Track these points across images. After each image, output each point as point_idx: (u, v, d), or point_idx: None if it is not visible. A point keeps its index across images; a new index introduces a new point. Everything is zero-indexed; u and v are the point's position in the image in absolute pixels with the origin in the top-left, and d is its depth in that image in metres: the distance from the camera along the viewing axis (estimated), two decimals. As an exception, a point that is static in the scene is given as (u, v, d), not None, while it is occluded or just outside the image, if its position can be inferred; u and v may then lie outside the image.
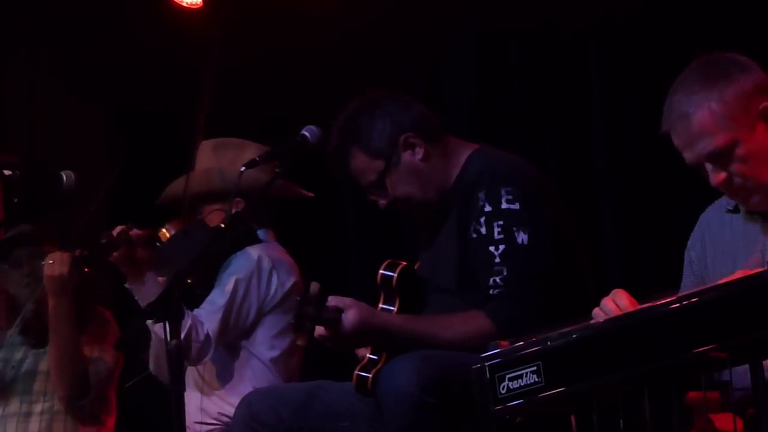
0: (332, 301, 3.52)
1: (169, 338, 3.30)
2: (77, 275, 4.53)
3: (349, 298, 3.53)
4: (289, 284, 4.38)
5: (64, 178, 4.46)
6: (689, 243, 3.19)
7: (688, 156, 2.95)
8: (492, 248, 3.52)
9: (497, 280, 3.49)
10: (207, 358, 4.24)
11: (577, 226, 3.91)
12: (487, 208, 3.55)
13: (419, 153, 3.72)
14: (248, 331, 4.36)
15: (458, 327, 3.48)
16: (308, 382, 3.86)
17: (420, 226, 3.92)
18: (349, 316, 3.48)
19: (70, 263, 4.47)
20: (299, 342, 3.56)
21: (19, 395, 4.76)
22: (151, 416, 4.94)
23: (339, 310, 3.50)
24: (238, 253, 4.36)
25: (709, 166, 2.92)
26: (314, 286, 3.49)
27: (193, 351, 4.15)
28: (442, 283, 3.67)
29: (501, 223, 3.52)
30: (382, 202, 3.77)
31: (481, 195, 3.57)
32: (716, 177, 2.92)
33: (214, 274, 4.37)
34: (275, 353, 4.37)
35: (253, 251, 4.35)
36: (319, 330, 3.54)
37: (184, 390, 3.31)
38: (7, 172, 4.54)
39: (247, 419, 3.66)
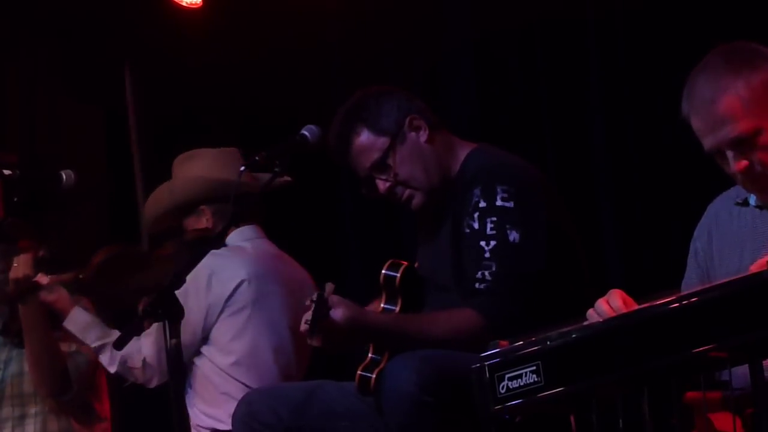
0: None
1: (168, 337, 3.30)
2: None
3: (337, 296, 3.46)
4: (233, 284, 4.33)
5: (64, 177, 4.46)
6: (695, 233, 3.17)
7: (710, 141, 2.89)
8: (483, 243, 3.51)
9: (485, 274, 3.48)
10: (155, 381, 4.29)
11: (576, 225, 3.90)
12: (482, 204, 3.55)
13: (424, 135, 3.73)
14: (206, 339, 4.35)
15: (447, 324, 3.47)
16: (308, 382, 3.85)
17: (418, 223, 3.92)
18: (337, 314, 3.45)
19: (33, 264, 4.48)
20: (313, 343, 3.54)
21: (11, 398, 4.76)
22: (149, 416, 4.93)
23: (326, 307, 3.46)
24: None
25: (730, 153, 2.87)
26: (329, 287, 3.46)
27: (136, 378, 4.32)
28: (441, 280, 3.66)
29: (494, 219, 3.52)
30: (382, 186, 3.74)
31: (477, 191, 3.57)
32: (737, 164, 2.87)
33: None
34: (233, 359, 4.33)
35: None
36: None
37: (183, 390, 3.31)
38: (6, 172, 4.54)
39: (247, 418, 3.65)
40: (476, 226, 3.54)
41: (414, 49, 5.97)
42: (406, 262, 3.79)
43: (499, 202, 3.53)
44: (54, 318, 4.69)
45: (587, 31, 5.44)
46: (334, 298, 3.44)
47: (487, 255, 3.50)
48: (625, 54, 5.30)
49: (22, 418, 4.74)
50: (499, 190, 3.54)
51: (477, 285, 3.49)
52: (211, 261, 4.26)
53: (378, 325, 3.52)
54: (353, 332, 3.45)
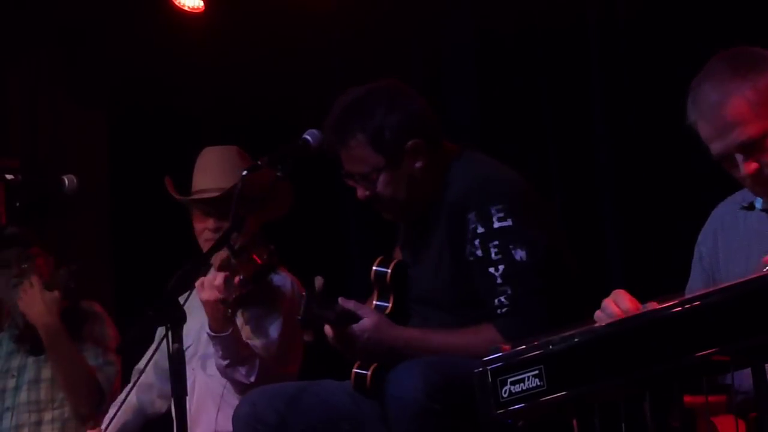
0: (347, 304, 3.52)
1: (170, 342, 3.30)
2: (56, 292, 4.56)
3: (369, 308, 3.54)
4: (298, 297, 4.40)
5: (66, 182, 4.47)
6: (700, 238, 3.16)
7: (718, 146, 2.87)
8: (492, 270, 3.50)
9: (503, 300, 3.49)
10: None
11: (578, 225, 3.89)
12: (480, 230, 3.52)
13: (420, 163, 3.64)
14: None
15: (472, 342, 3.45)
16: (311, 382, 3.84)
17: (399, 228, 3.89)
18: (367, 324, 3.48)
19: (39, 283, 4.51)
20: (306, 338, 3.56)
21: (27, 404, 4.76)
22: (148, 423, 4.91)
23: (353, 315, 3.49)
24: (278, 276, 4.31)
25: (739, 157, 2.86)
26: (318, 281, 3.47)
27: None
28: (436, 299, 3.64)
29: (496, 243, 3.50)
30: (360, 193, 3.68)
31: (471, 217, 3.54)
32: (747, 167, 2.85)
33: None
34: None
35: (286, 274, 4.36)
36: (328, 330, 3.54)
37: (185, 394, 3.30)
38: (9, 176, 4.55)
39: (250, 419, 3.65)
40: (480, 253, 3.52)
41: (415, 48, 5.96)
42: (396, 258, 3.78)
43: (496, 224, 3.51)
44: (73, 326, 4.71)
45: (589, 30, 5.42)
46: (366, 310, 3.51)
47: (500, 281, 3.49)
48: (627, 52, 5.28)
49: (38, 424, 4.75)
50: (493, 211, 3.51)
51: (498, 311, 3.49)
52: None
53: (403, 339, 3.54)
54: (379, 343, 3.48)
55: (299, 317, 3.52)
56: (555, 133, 5.54)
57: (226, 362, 4.11)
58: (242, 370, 4.12)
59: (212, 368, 4.26)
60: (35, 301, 4.59)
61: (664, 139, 5.01)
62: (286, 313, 4.26)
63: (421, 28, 5.90)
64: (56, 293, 4.63)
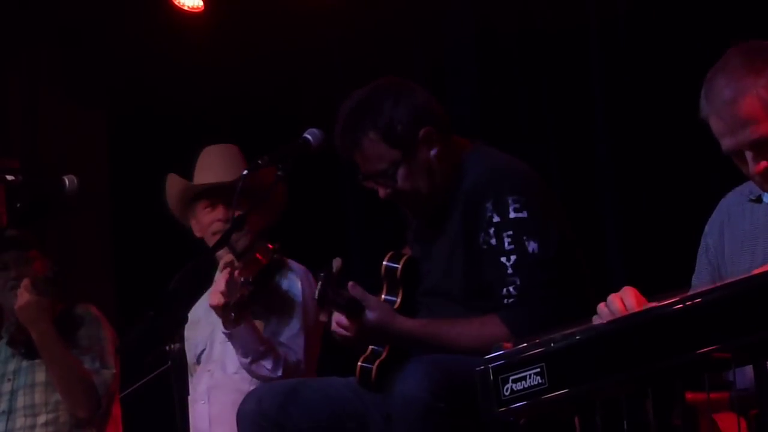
0: (354, 290, 3.53)
1: (171, 343, 3.30)
2: (48, 297, 4.58)
3: (374, 298, 3.54)
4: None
5: (66, 182, 4.45)
6: (707, 228, 3.15)
7: (729, 142, 2.86)
8: (503, 259, 3.51)
9: (511, 289, 3.50)
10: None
11: (579, 222, 3.88)
12: (496, 219, 3.54)
13: (435, 150, 3.65)
14: None
15: (476, 332, 3.48)
16: (316, 378, 3.85)
17: (411, 222, 3.90)
18: (370, 316, 3.48)
19: (31, 287, 4.52)
20: (322, 318, 3.57)
21: (23, 409, 4.77)
22: (151, 423, 4.92)
23: (360, 305, 3.50)
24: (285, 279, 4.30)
25: (749, 154, 2.85)
26: (337, 262, 3.49)
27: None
28: (447, 290, 3.65)
29: (510, 233, 3.51)
30: (382, 192, 3.69)
31: (488, 206, 3.55)
32: (757, 166, 2.84)
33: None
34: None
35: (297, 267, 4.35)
36: (340, 318, 3.55)
37: (187, 394, 3.30)
38: (9, 177, 4.55)
39: (256, 416, 3.64)
40: (494, 242, 3.54)
41: (416, 46, 5.97)
42: (407, 254, 3.79)
43: (512, 214, 3.52)
44: (67, 330, 4.71)
45: (590, 28, 5.43)
46: (371, 300, 3.50)
47: (510, 271, 3.51)
48: (627, 50, 5.29)
49: (33, 428, 4.75)
50: (510, 201, 3.53)
51: (505, 301, 3.51)
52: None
53: (409, 331, 3.54)
54: (383, 335, 3.50)
55: (315, 297, 3.53)
56: (555, 132, 5.55)
57: (248, 359, 4.09)
58: (266, 364, 4.09)
59: (232, 366, 4.25)
60: (26, 305, 4.60)
61: (665, 137, 5.02)
62: (303, 310, 4.26)
63: (422, 26, 5.91)
64: (46, 297, 4.65)
